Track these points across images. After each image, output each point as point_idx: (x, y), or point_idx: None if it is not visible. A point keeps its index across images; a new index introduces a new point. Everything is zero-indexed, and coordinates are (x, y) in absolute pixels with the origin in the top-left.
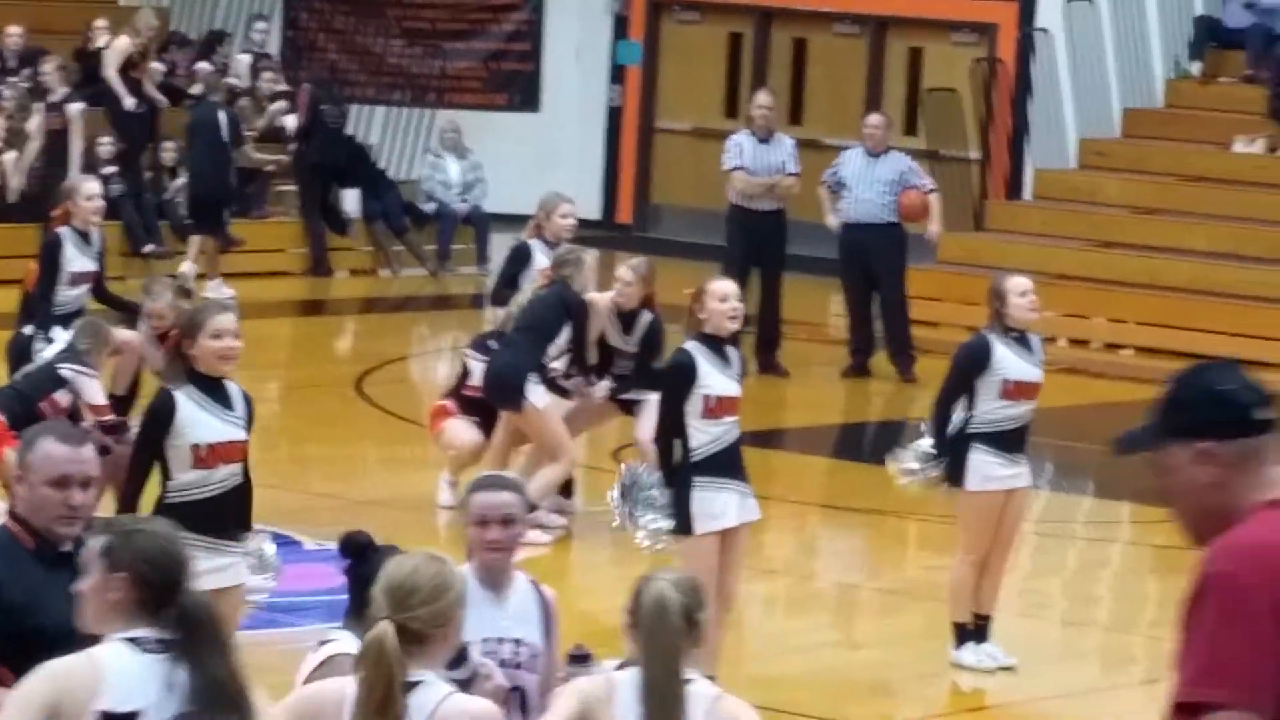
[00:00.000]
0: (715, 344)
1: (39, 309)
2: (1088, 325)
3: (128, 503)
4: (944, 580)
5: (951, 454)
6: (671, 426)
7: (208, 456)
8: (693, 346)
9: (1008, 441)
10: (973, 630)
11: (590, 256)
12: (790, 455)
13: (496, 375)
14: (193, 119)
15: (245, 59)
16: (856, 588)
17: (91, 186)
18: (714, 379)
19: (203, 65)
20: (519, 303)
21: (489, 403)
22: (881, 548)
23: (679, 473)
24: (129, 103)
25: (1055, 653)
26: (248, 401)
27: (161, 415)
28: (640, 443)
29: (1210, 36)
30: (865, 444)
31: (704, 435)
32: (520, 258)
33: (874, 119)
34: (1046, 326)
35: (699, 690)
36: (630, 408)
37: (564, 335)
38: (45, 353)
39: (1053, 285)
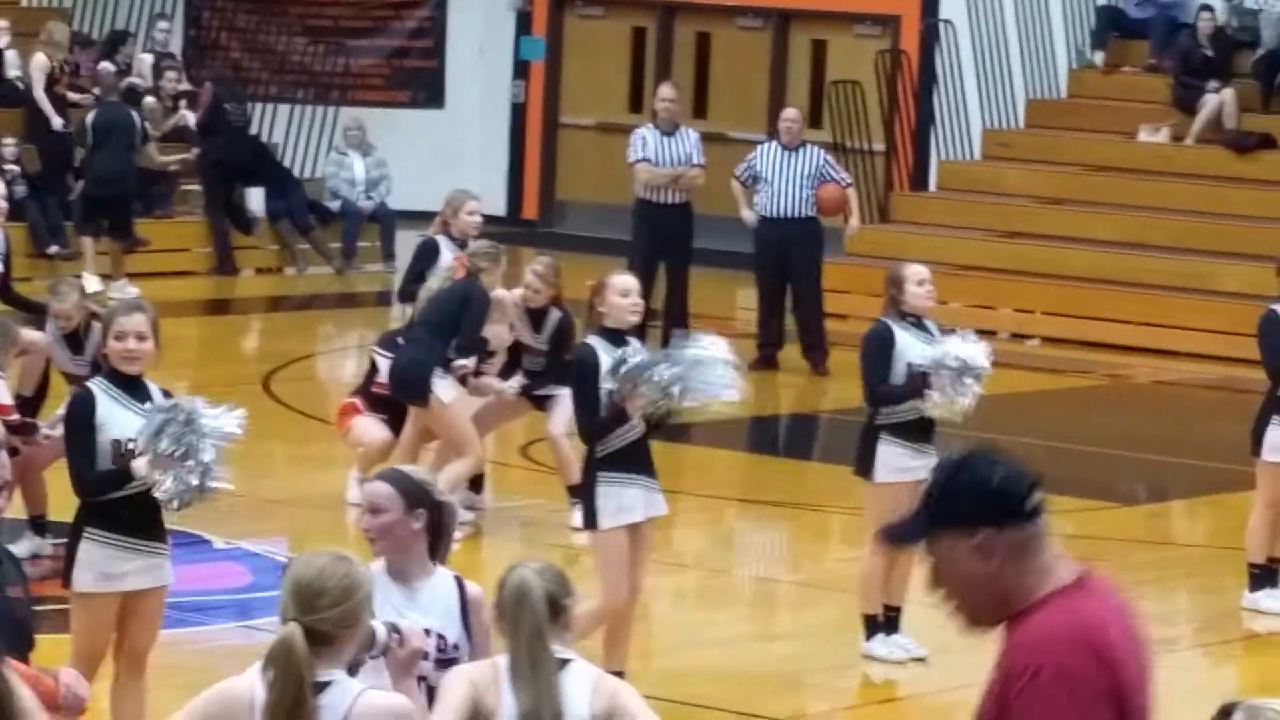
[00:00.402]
0: (617, 338)
1: None
2: (993, 316)
3: (92, 487)
4: (854, 573)
5: (860, 446)
6: (590, 417)
7: (129, 454)
8: (595, 341)
9: (915, 431)
10: (883, 622)
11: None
12: (700, 449)
13: (402, 370)
14: (97, 119)
15: (148, 59)
16: (768, 581)
17: None
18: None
19: (105, 65)
20: (429, 290)
21: (396, 399)
22: (793, 541)
23: (585, 467)
24: (57, 123)
25: (963, 643)
26: (166, 396)
27: (81, 410)
28: (552, 437)
29: (1113, 26)
30: (775, 437)
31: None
32: (427, 254)
33: (790, 113)
34: (952, 318)
35: (577, 669)
36: (542, 403)
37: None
38: None
39: (958, 276)
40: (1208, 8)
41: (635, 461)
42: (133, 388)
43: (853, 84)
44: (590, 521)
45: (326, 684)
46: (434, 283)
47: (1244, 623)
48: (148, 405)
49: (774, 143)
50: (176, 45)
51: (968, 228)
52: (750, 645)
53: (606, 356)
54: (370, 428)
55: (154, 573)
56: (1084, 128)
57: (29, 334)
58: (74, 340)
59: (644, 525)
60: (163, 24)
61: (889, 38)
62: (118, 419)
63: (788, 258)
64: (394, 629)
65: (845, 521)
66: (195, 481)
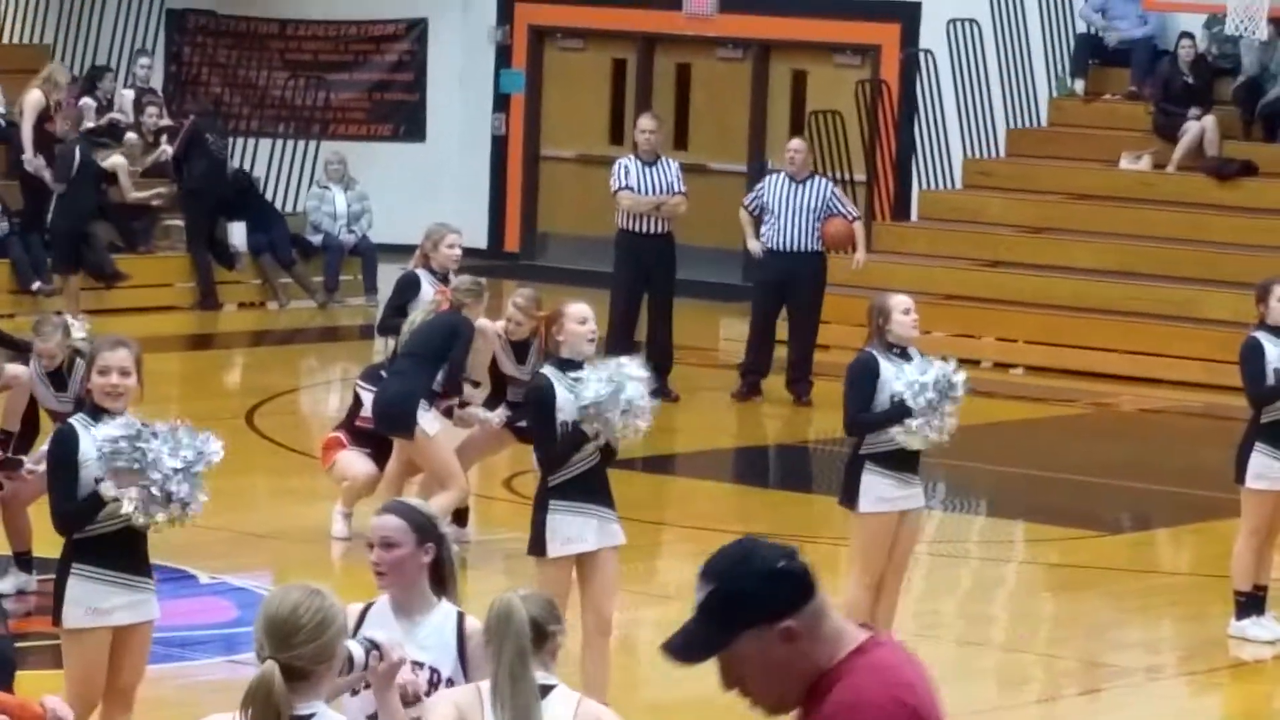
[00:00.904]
0: (573, 367)
1: None
2: (976, 345)
3: (71, 520)
4: (838, 603)
5: (845, 476)
6: (549, 447)
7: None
8: (549, 371)
9: (900, 461)
10: None
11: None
12: (683, 480)
13: (386, 403)
14: (61, 155)
15: (129, 94)
16: None
17: None
18: (568, 407)
19: (86, 101)
20: (411, 323)
21: (380, 433)
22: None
23: (537, 495)
24: (29, 160)
25: (951, 673)
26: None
27: (65, 447)
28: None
29: (1093, 54)
30: (759, 468)
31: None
32: (408, 288)
33: (795, 144)
34: (936, 347)
35: (559, 695)
36: (526, 434)
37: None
38: None
39: (941, 305)
40: (1188, 35)
41: (589, 490)
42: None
43: (833, 114)
44: (538, 549)
45: (308, 717)
46: (416, 316)
47: (1230, 650)
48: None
49: (782, 174)
50: (158, 81)
51: (950, 257)
52: None
53: (561, 387)
54: (354, 462)
55: (141, 607)
56: (1065, 156)
57: (10, 368)
58: (57, 378)
59: (603, 554)
60: (144, 60)
61: (869, 68)
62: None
63: (789, 290)
64: (372, 645)
65: (830, 552)
66: (158, 492)
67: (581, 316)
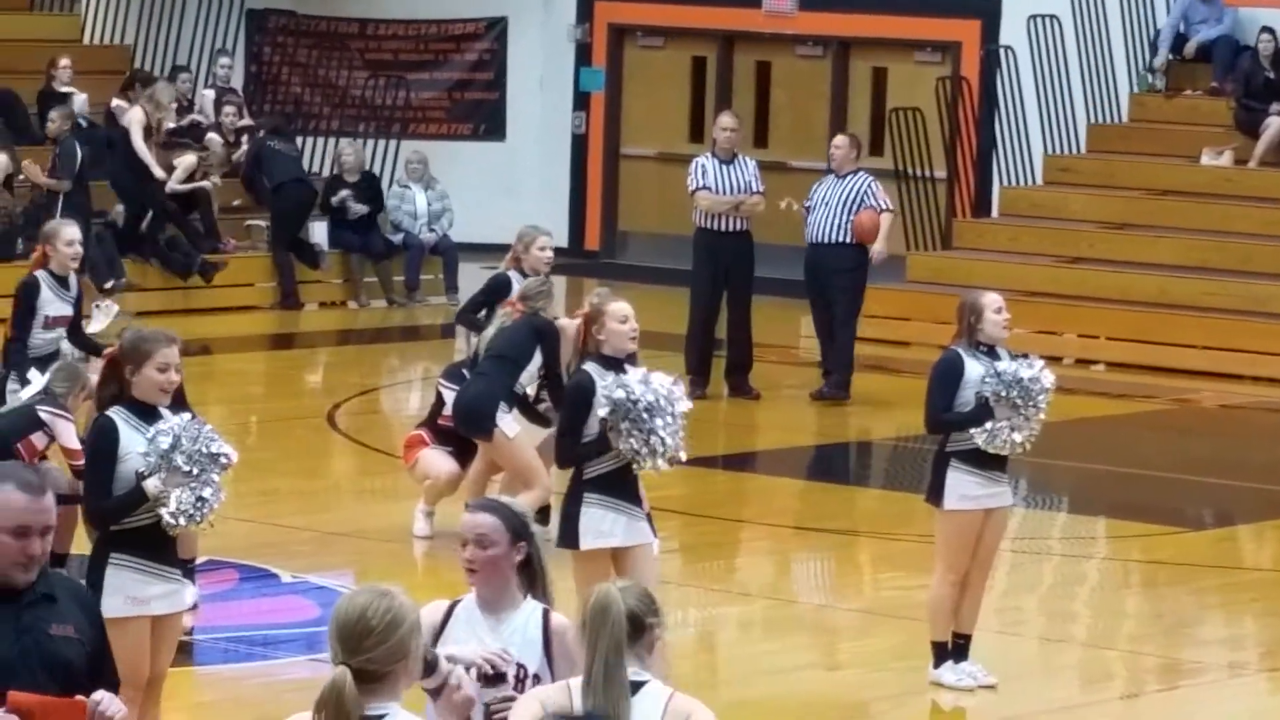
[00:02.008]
0: (615, 365)
1: (13, 351)
2: (1058, 341)
3: (110, 515)
4: (919, 600)
5: (931, 473)
6: (572, 444)
7: (141, 475)
8: (591, 368)
9: (986, 459)
10: (952, 650)
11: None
12: (763, 478)
13: (467, 405)
14: (64, 153)
15: (209, 94)
16: (832, 609)
17: (71, 232)
18: (600, 404)
19: None
20: (487, 336)
21: (460, 433)
22: (855, 569)
23: (571, 487)
24: (159, 173)
25: (1033, 670)
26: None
27: (107, 440)
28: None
29: (1174, 50)
30: (837, 465)
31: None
32: (497, 289)
33: (837, 140)
34: (1017, 344)
35: (650, 690)
36: None
37: (535, 362)
38: (21, 394)
39: (1022, 302)
40: (1268, 30)
41: (621, 487)
42: (152, 418)
43: (914, 111)
44: (570, 541)
45: (379, 717)
46: (491, 329)
47: None
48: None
49: (830, 171)
50: (238, 81)
51: (1031, 253)
52: (814, 674)
53: (602, 383)
54: (436, 460)
55: (175, 597)
56: (1146, 152)
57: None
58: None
59: (637, 551)
60: (224, 60)
61: (949, 64)
62: (141, 449)
63: (826, 283)
64: (453, 674)
65: (912, 549)
66: (199, 498)
67: (623, 315)
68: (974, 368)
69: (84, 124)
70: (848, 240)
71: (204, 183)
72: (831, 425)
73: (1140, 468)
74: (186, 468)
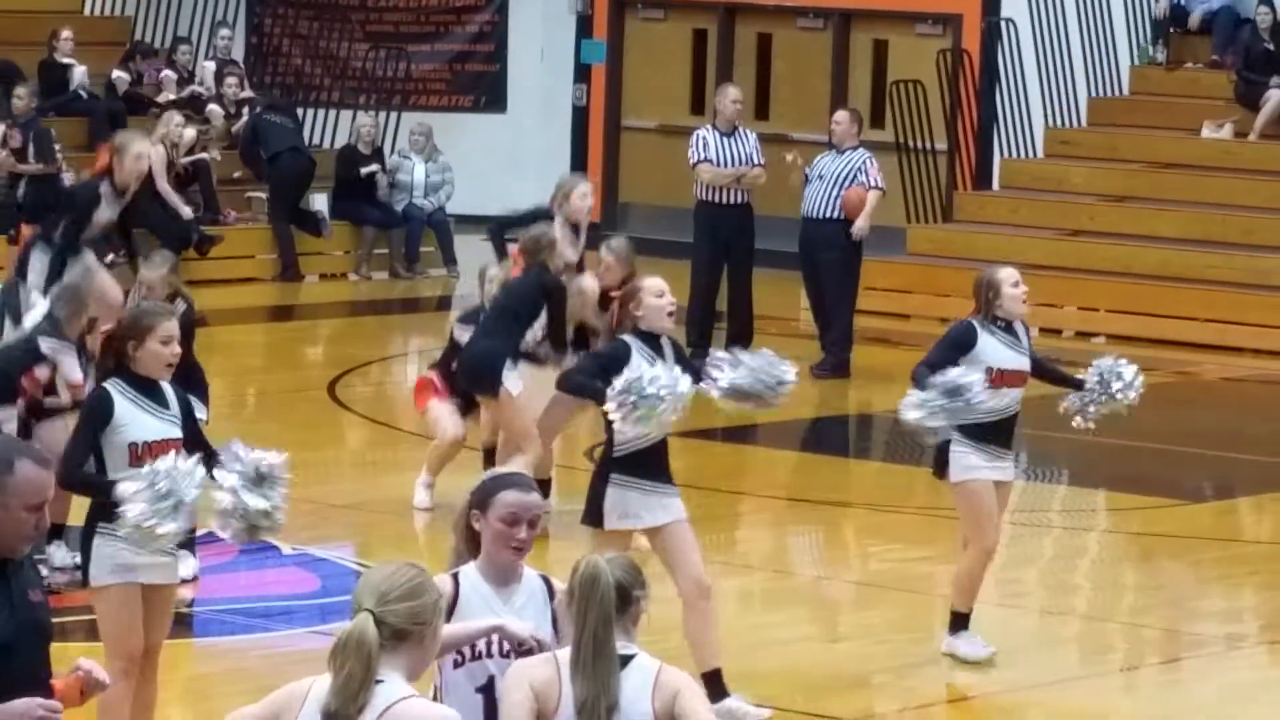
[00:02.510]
0: (653, 341)
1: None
2: (1059, 314)
3: (74, 480)
4: (919, 572)
5: (936, 448)
6: (582, 380)
7: (144, 455)
8: (631, 340)
9: (991, 434)
10: (966, 620)
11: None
12: (763, 450)
13: (473, 360)
14: (38, 136)
15: (210, 66)
16: (832, 581)
17: (143, 147)
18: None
19: (167, 74)
20: (491, 279)
21: (464, 388)
22: (856, 541)
23: (599, 465)
24: (186, 212)
25: (1034, 642)
26: (182, 399)
27: (99, 412)
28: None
29: (1175, 23)
30: (837, 438)
31: (624, 435)
32: (538, 217)
33: (837, 115)
34: None
35: (640, 664)
36: None
37: (542, 318)
38: (25, 320)
39: (1023, 275)
40: (1266, 2)
41: (651, 467)
42: (151, 391)
43: (915, 83)
44: (594, 519)
45: (379, 681)
46: (493, 286)
47: None
48: (169, 411)
49: (833, 147)
50: (239, 53)
51: (1031, 226)
52: (815, 645)
53: (638, 358)
54: (444, 418)
55: (166, 569)
56: (1147, 125)
57: (102, 286)
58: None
59: (673, 527)
60: (224, 31)
61: (950, 37)
62: (138, 421)
63: (817, 259)
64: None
65: (911, 522)
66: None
67: (659, 290)
68: (989, 341)
69: (84, 95)
70: (839, 216)
71: (204, 155)
72: (831, 398)
73: (1140, 440)
74: (164, 489)
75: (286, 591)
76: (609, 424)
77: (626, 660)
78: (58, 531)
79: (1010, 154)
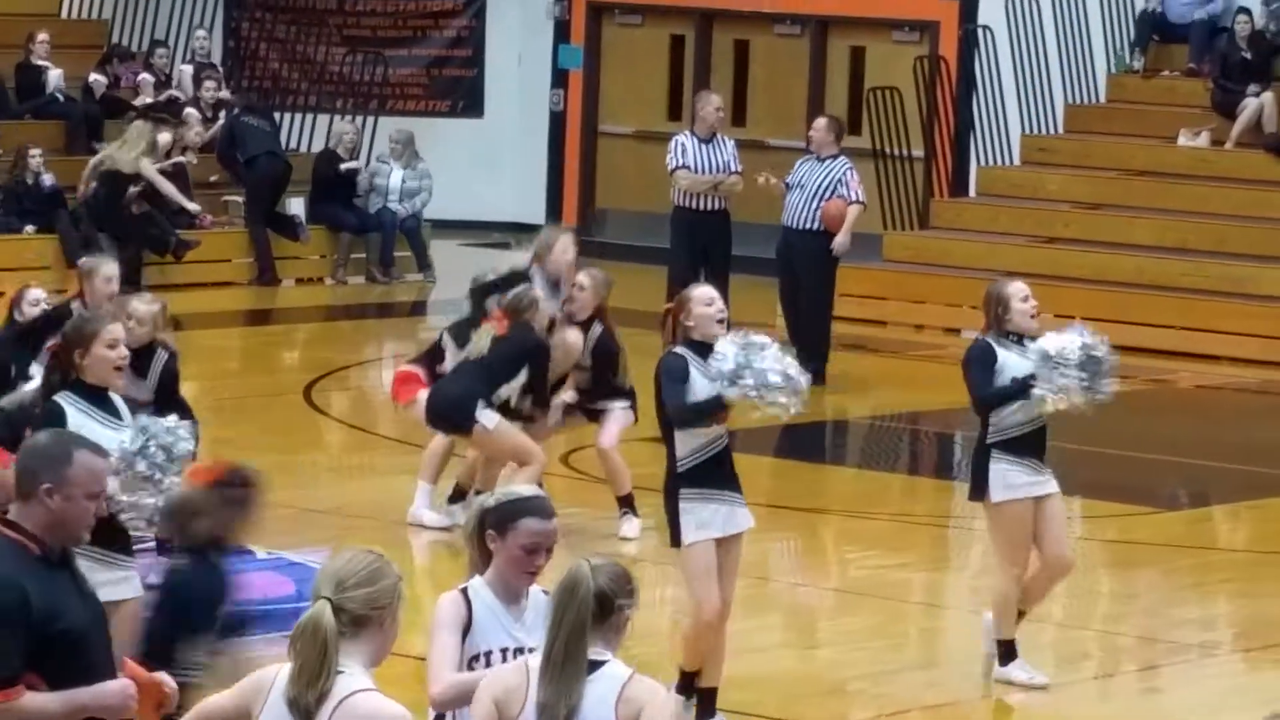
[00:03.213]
0: (704, 349)
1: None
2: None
3: None
4: (895, 579)
5: (972, 469)
6: (681, 405)
7: None
8: (683, 351)
9: (1026, 447)
10: (1014, 648)
11: (541, 299)
12: (739, 456)
13: (444, 404)
14: None
15: (188, 69)
16: (809, 588)
17: (111, 269)
18: (700, 387)
19: (144, 77)
20: (476, 349)
21: (437, 429)
22: (832, 548)
23: (667, 483)
24: (194, 208)
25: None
26: (133, 410)
27: (51, 421)
28: (603, 449)
29: (1152, 30)
30: (814, 444)
31: (691, 444)
32: (515, 280)
33: (816, 122)
34: None
35: (609, 672)
36: (596, 416)
37: (520, 378)
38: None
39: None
40: (1245, 10)
41: (716, 477)
42: (101, 401)
43: (892, 90)
44: (675, 539)
45: (338, 673)
46: (478, 344)
47: None
48: (120, 421)
49: (812, 154)
50: (216, 56)
51: (1008, 233)
52: (790, 652)
53: (695, 370)
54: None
55: (122, 585)
56: (1123, 132)
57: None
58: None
59: (729, 540)
60: (201, 34)
61: (927, 44)
62: (91, 432)
63: (795, 268)
64: None
65: (882, 527)
66: (156, 503)
67: (708, 298)
68: (1008, 356)
69: (61, 98)
70: (819, 228)
71: (180, 158)
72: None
73: (1116, 448)
74: (147, 473)
75: (260, 596)
76: (670, 440)
77: (596, 665)
78: None
79: (987, 161)
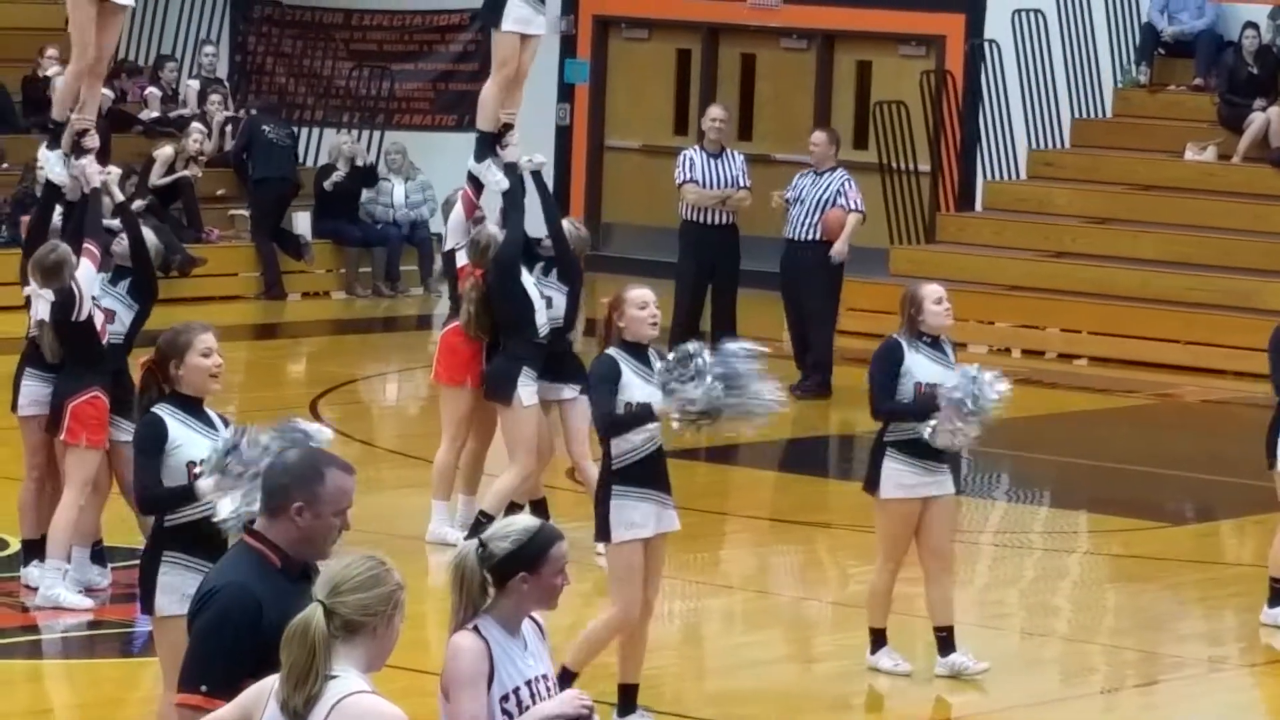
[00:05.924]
0: (638, 352)
1: None
2: (1040, 335)
3: (160, 504)
4: (899, 593)
5: (869, 463)
6: (609, 415)
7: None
8: (615, 353)
9: (923, 450)
10: (937, 644)
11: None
12: (745, 470)
13: (492, 373)
14: None
15: (194, 84)
16: (812, 602)
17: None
18: (635, 388)
19: (152, 90)
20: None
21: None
22: (836, 562)
23: (600, 481)
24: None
25: (1015, 663)
26: (226, 423)
27: (155, 435)
28: (575, 458)
29: (1158, 45)
30: (819, 458)
31: (625, 444)
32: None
33: (814, 136)
34: (1000, 338)
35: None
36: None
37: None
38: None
39: (1005, 296)
40: (1252, 25)
41: (650, 476)
42: (198, 413)
43: (898, 104)
44: (603, 534)
45: (332, 677)
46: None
47: (1262, 639)
48: (216, 432)
49: (812, 168)
50: (223, 71)
51: (1014, 248)
52: (793, 666)
53: (627, 369)
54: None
55: None
56: (1130, 147)
57: None
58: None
59: (656, 541)
60: (209, 49)
61: (934, 58)
62: (191, 440)
63: (799, 281)
64: None
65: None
66: (256, 506)
67: (642, 301)
68: (915, 358)
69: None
70: (820, 239)
71: (186, 173)
72: (812, 418)
73: (1122, 462)
74: (239, 470)
75: None
76: (606, 441)
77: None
78: (36, 552)
79: (993, 175)
